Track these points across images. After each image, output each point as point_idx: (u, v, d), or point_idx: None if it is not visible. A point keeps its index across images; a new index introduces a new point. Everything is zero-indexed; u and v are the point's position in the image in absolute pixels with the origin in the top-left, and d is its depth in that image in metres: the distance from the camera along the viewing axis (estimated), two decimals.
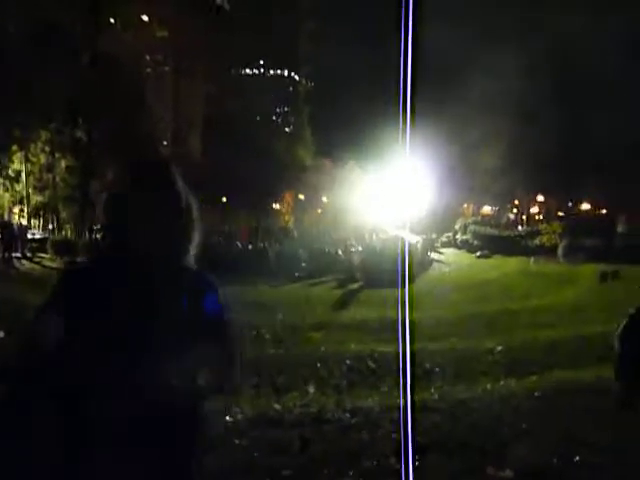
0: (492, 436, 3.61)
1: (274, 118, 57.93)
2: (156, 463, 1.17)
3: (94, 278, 1.24)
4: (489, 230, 27.80)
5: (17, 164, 25.45)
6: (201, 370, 1.20)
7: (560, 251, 20.49)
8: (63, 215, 27.06)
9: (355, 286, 14.97)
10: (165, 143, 40.53)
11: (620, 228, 22.17)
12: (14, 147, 24.09)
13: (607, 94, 29.13)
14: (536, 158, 30.75)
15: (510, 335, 7.71)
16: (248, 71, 58.57)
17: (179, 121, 42.29)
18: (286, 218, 38.62)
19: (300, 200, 40.23)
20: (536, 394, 4.48)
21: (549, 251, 21.49)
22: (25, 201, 26.73)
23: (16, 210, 27.71)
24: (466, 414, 4.01)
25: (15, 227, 20.93)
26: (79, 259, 16.37)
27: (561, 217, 32.22)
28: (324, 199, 40.07)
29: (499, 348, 6.65)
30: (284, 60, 58.43)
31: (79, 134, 25.02)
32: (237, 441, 3.26)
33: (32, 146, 24.98)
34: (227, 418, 3.56)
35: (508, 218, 36.48)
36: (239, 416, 3.64)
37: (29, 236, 22.24)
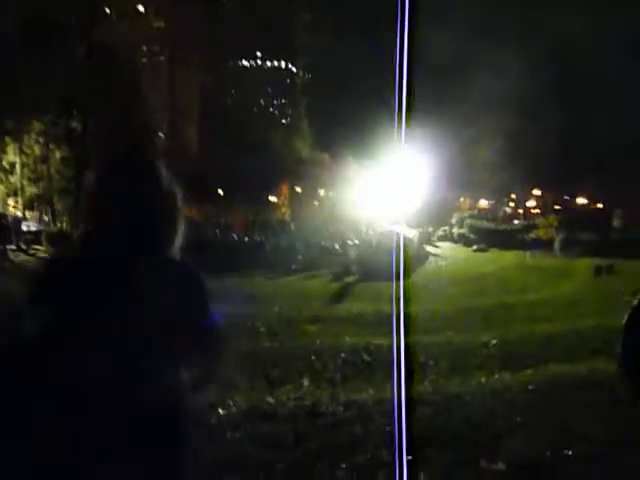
0: (486, 429, 3.61)
1: (271, 110, 57.71)
2: (137, 460, 1.14)
3: (77, 269, 1.20)
4: (485, 224, 27.85)
5: (11, 156, 25.28)
6: (184, 365, 1.17)
7: (556, 245, 20.54)
8: (58, 207, 26.89)
9: (351, 279, 14.97)
10: (161, 134, 40.30)
11: (616, 222, 22.26)
12: (8, 138, 23.92)
13: (606, 93, 29.17)
14: (533, 152, 30.81)
15: (506, 329, 7.71)
16: (245, 62, 58.26)
17: (175, 112, 42.05)
18: (283, 211, 38.55)
19: (297, 193, 40.15)
20: (530, 387, 4.48)
21: (545, 245, 21.53)
22: (19, 193, 26.57)
23: (10, 202, 27.54)
24: (460, 407, 4.01)
25: (9, 219, 20.83)
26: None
27: (557, 211, 32.31)
28: (321, 192, 39.99)
29: (494, 342, 6.65)
30: (281, 52, 58.08)
31: (74, 125, 24.85)
32: (230, 434, 3.25)
33: (26, 137, 24.80)
34: (220, 411, 3.55)
35: (505, 212, 36.52)
36: (233, 409, 3.62)
37: (24, 228, 22.13)
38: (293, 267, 17.62)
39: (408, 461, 2.80)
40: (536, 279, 14.06)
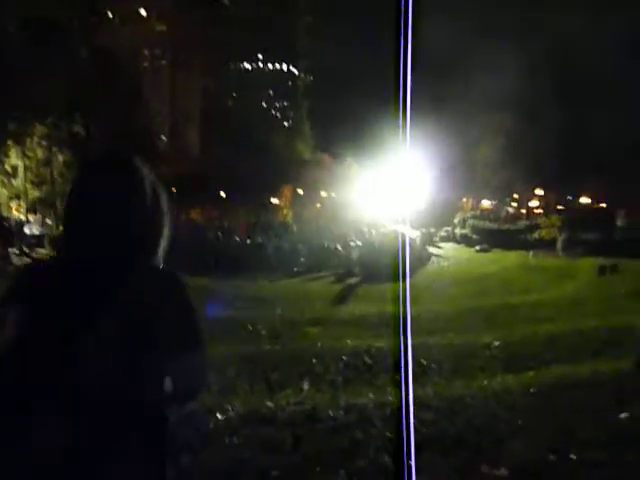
0: (488, 433, 3.56)
1: (273, 112, 57.77)
2: (118, 472, 1.11)
3: (55, 275, 1.17)
4: (488, 224, 27.75)
5: (14, 159, 25.34)
6: (167, 375, 1.14)
7: (559, 245, 20.45)
8: (61, 210, 26.93)
9: (353, 281, 14.93)
10: (163, 137, 40.41)
11: (619, 222, 22.14)
12: (10, 142, 23.98)
13: (609, 92, 29.06)
14: (535, 152, 30.72)
15: (509, 329, 7.67)
16: (247, 65, 58.36)
17: (177, 115, 42.16)
18: (285, 213, 38.53)
19: (299, 195, 40.13)
20: (533, 390, 4.43)
21: (548, 245, 21.44)
22: (22, 196, 26.63)
23: (13, 205, 27.62)
24: (462, 411, 3.97)
25: (12, 222, 20.89)
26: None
27: (560, 211, 32.18)
28: (323, 194, 39.96)
29: (497, 343, 6.61)
30: (283, 54, 58.15)
31: (76, 129, 24.91)
32: (228, 439, 3.22)
33: (28, 141, 24.87)
34: (219, 416, 3.52)
35: (507, 212, 36.38)
36: (231, 413, 3.59)
37: (26, 231, 22.17)
38: (296, 269, 17.59)
39: (409, 466, 2.76)
40: (539, 279, 14.00)
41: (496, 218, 31.34)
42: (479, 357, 6.06)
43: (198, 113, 45.54)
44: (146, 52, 40.73)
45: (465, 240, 26.80)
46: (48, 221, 27.94)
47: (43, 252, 19.68)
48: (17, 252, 18.75)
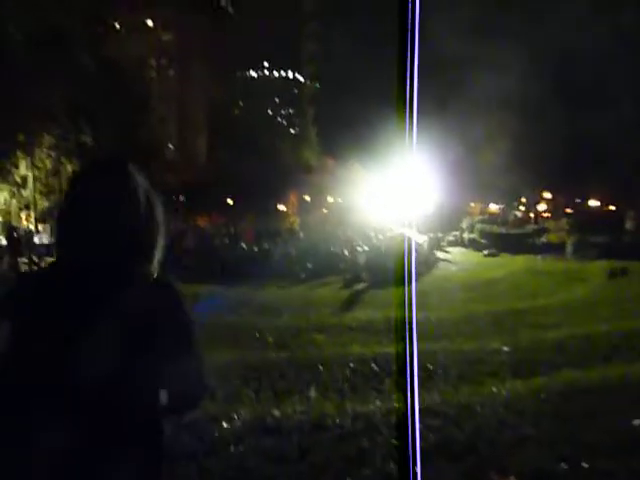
0: (496, 440, 3.51)
1: (279, 119, 58.04)
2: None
3: (46, 285, 1.16)
4: (496, 228, 27.61)
5: (23, 170, 25.61)
6: (162, 384, 1.12)
7: (568, 248, 20.27)
8: None
9: (361, 286, 14.87)
10: (170, 146, 40.67)
11: (628, 225, 21.93)
12: (19, 153, 24.24)
13: (615, 94, 28.87)
14: (543, 155, 30.54)
15: (517, 335, 7.59)
16: (252, 73, 58.73)
17: (184, 124, 42.45)
18: (291, 219, 38.58)
19: (305, 201, 40.20)
20: (542, 396, 4.37)
21: (557, 248, 21.27)
22: (32, 206, 26.88)
23: (23, 215, 27.88)
24: (470, 418, 3.91)
25: (22, 232, 21.05)
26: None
27: (569, 214, 31.96)
28: (329, 199, 40.00)
29: (505, 348, 6.53)
30: (288, 62, 58.48)
31: (84, 139, 25.13)
32: (233, 448, 3.19)
33: (37, 151, 25.14)
34: (224, 424, 3.49)
35: (515, 216, 36.20)
36: (237, 422, 3.56)
37: (36, 241, 22.34)
38: (302, 275, 17.56)
39: (416, 474, 2.72)
40: (548, 283, 13.87)
41: (504, 222, 31.18)
42: (488, 363, 5.98)
43: (205, 121, 45.84)
44: (152, 61, 41.13)
45: (473, 244, 26.65)
46: None
47: (52, 261, 19.79)
48: (26, 262, 18.88)
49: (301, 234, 27.03)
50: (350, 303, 12.09)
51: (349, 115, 43.67)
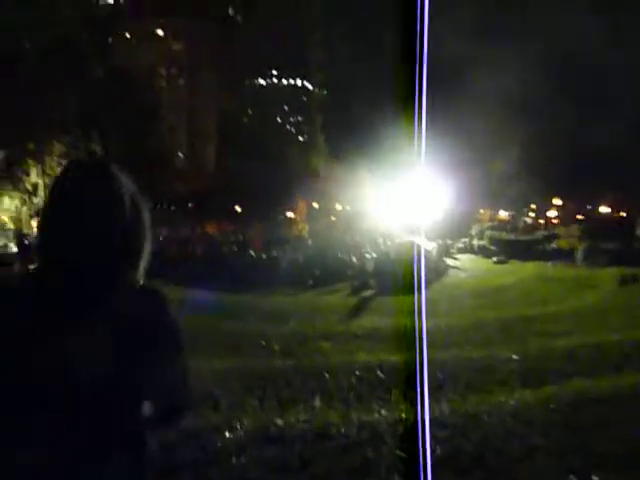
0: (505, 451, 3.43)
1: (287, 127, 58.24)
2: None
3: (26, 293, 1.13)
4: (505, 235, 27.41)
5: (34, 177, 25.91)
6: (147, 398, 1.09)
7: (579, 255, 20.06)
8: None
9: (369, 293, 14.80)
10: (180, 154, 40.98)
11: (639, 231, 21.68)
12: (30, 161, 24.53)
13: (626, 101, 28.64)
14: (552, 162, 30.35)
15: (527, 343, 7.48)
16: (261, 81, 59.05)
17: (193, 132, 42.77)
18: (300, 227, 38.61)
19: (314, 208, 40.23)
20: (552, 406, 4.28)
21: (567, 255, 21.06)
22: None
23: (34, 223, 28.16)
24: (478, 428, 3.84)
25: (33, 239, 21.23)
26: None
27: (579, 220, 31.67)
28: (338, 207, 40.01)
29: (515, 357, 6.43)
30: (297, 69, 58.77)
31: (94, 147, 25.39)
32: (235, 458, 3.14)
33: (48, 159, 25.43)
34: (227, 434, 3.45)
35: (525, 222, 35.93)
36: (239, 432, 3.52)
37: None
38: (310, 282, 17.52)
39: None
40: (558, 290, 13.72)
41: (514, 229, 30.96)
42: (497, 371, 5.89)
43: (214, 130, 46.14)
44: (162, 71, 41.55)
45: (482, 251, 26.47)
46: None
47: None
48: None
49: (309, 241, 27.03)
50: (357, 310, 12.02)
51: (358, 122, 43.74)
